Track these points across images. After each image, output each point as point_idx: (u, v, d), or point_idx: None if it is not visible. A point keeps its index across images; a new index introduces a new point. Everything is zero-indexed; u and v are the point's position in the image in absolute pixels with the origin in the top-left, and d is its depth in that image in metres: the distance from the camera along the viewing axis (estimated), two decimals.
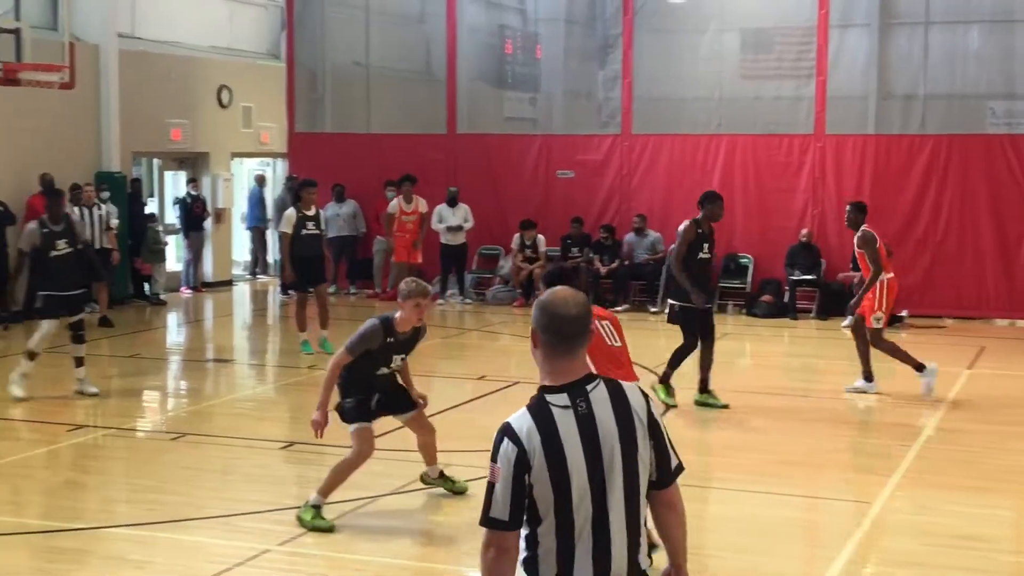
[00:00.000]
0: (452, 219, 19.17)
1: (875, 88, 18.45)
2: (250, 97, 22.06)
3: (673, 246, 11.85)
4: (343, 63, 21.52)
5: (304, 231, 14.18)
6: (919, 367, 12.06)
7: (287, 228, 14.28)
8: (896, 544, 7.84)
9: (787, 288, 18.12)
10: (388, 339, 7.80)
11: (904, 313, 17.21)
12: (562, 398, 3.53)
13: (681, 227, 11.49)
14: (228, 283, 21.77)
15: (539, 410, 3.52)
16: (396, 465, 9.02)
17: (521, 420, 3.52)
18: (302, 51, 21.41)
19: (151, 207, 20.53)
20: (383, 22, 21.20)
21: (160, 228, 19.96)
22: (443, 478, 8.54)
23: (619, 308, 17.62)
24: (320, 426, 7.68)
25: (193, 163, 21.46)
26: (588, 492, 3.50)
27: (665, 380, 11.60)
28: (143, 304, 19.06)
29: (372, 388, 7.95)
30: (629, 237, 18.95)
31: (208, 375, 14.20)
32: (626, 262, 18.88)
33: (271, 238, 22.42)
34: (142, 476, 9.33)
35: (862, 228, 12.11)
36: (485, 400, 11.89)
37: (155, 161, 21.26)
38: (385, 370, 7.98)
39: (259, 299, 21.05)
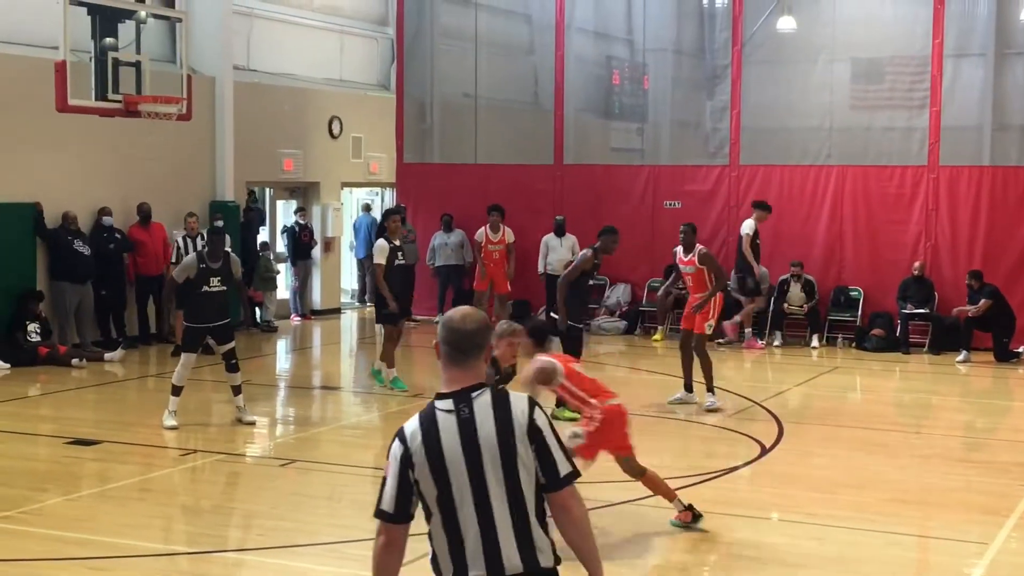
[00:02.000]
0: (560, 249, 19.18)
1: (990, 119, 18.06)
2: (360, 128, 22.39)
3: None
4: (452, 94, 21.73)
5: (397, 262, 13.73)
6: None
7: (381, 259, 13.62)
8: None
9: (899, 322, 17.77)
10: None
11: (1021, 349, 16.80)
12: (447, 403, 3.89)
13: (581, 253, 12.70)
14: (336, 311, 22.05)
15: (426, 414, 3.91)
16: None
17: (410, 424, 3.91)
18: (412, 82, 21.67)
19: (263, 235, 20.91)
20: (492, 54, 21.38)
21: (272, 256, 20.32)
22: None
23: (721, 340, 17.39)
24: None
25: (304, 192, 21.84)
26: (469, 489, 3.81)
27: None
28: (254, 331, 19.39)
29: None
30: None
31: (316, 402, 14.37)
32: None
33: None
34: (252, 502, 9.47)
35: None
36: None
37: (267, 190, 21.67)
38: None
39: (366, 327, 21.27)
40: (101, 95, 14.34)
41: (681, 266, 13.21)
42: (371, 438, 12.21)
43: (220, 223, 18.47)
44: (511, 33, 21.83)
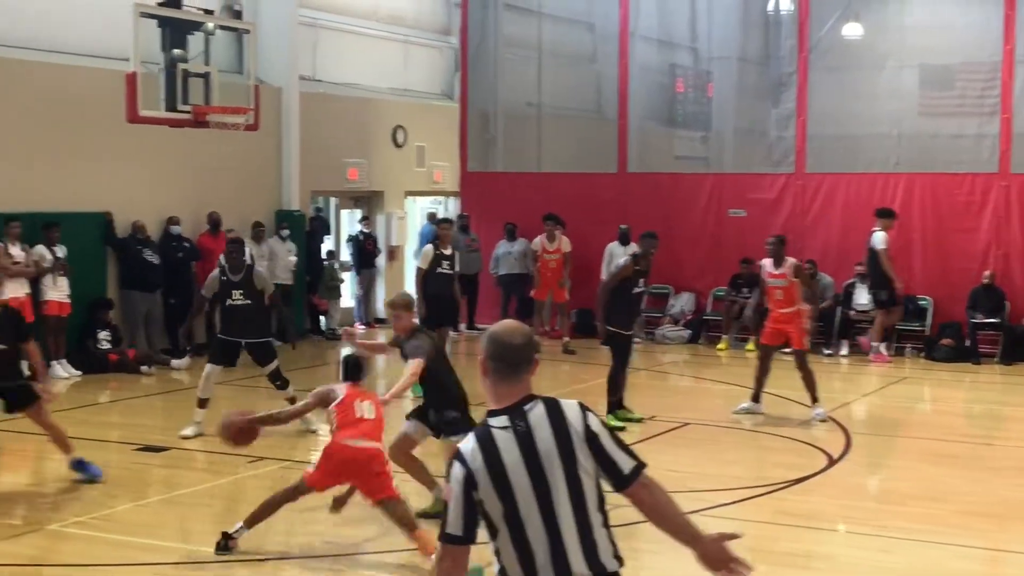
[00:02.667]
0: (623, 257, 19.08)
1: None
2: (424, 137, 22.49)
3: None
4: (515, 103, 21.77)
5: (439, 269, 14.02)
6: None
7: (423, 264, 14.12)
8: None
9: (968, 331, 17.50)
10: None
11: None
12: (502, 420, 3.86)
13: (621, 260, 12.59)
14: None
15: (482, 433, 3.87)
16: None
17: (467, 444, 3.87)
18: (475, 92, 21.73)
19: (328, 244, 21.06)
20: (555, 63, 21.38)
21: (337, 265, 20.46)
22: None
23: (787, 350, 17.16)
24: None
25: (368, 202, 21.97)
26: (535, 503, 3.79)
27: (614, 408, 12.20)
28: (319, 339, 19.52)
29: None
30: None
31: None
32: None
33: None
34: (317, 510, 9.50)
35: None
36: (654, 441, 11.77)
37: (332, 200, 21.83)
38: None
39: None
40: (171, 106, 14.53)
41: (770, 279, 13.01)
42: (431, 446, 12.20)
43: (287, 231, 18.68)
44: (574, 42, 21.82)
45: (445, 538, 3.88)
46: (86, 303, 15.92)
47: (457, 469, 3.86)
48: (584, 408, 3.93)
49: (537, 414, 3.86)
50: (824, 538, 8.73)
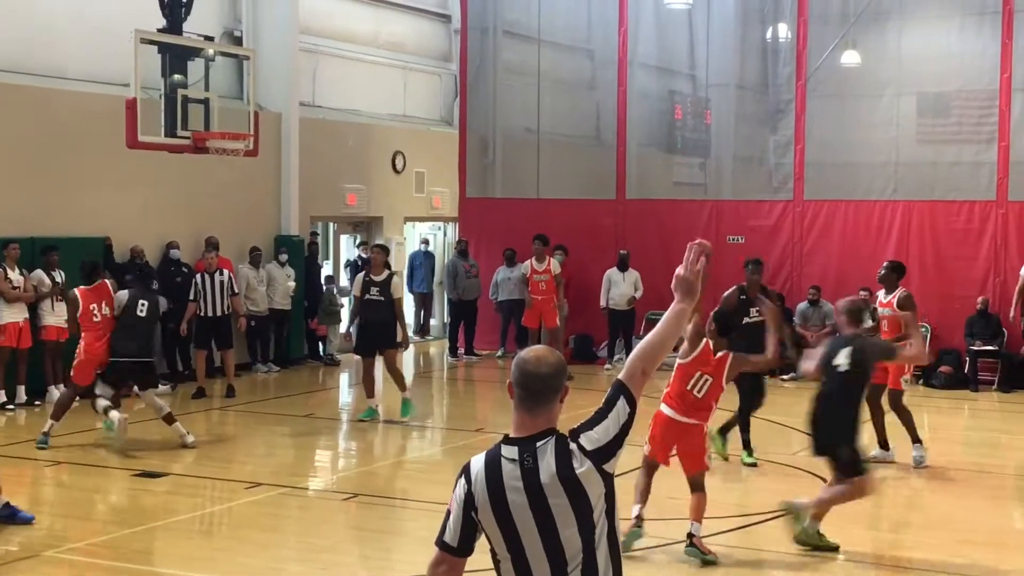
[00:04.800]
0: (622, 284, 19.12)
1: None
2: (423, 163, 22.55)
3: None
4: (514, 129, 21.83)
5: (367, 296, 13.85)
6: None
7: (355, 291, 14.14)
8: None
9: (967, 359, 17.49)
10: None
11: None
12: (513, 451, 3.80)
13: (725, 294, 11.74)
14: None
15: (492, 459, 3.84)
16: None
17: (476, 464, 3.86)
18: (474, 118, 21.80)
19: (327, 269, 21.08)
20: (554, 89, 21.46)
21: (336, 290, 20.47)
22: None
23: (785, 376, 17.14)
24: None
25: (367, 227, 22.00)
26: (537, 535, 3.75)
27: (747, 445, 11.84)
28: (317, 364, 19.51)
29: None
30: (802, 307, 18.51)
31: (378, 436, 14.40)
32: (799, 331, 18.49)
33: (436, 301, 22.89)
34: (315, 536, 9.50)
35: None
36: None
37: (331, 225, 21.86)
38: None
39: (427, 361, 21.33)
40: (170, 132, 14.56)
41: (879, 308, 12.22)
42: (433, 472, 12.21)
43: (285, 256, 18.69)
44: (574, 68, 21.90)
45: (440, 544, 3.90)
46: None
47: (460, 486, 3.86)
48: (580, 449, 3.80)
49: (546, 451, 3.78)
50: (822, 566, 8.70)
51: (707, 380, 8.77)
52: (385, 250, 14.49)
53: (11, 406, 14.64)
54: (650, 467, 8.72)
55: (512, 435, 3.86)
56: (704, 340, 8.85)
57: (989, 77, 17.97)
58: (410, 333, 22.88)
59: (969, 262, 18.00)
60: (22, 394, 14.91)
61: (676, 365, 8.94)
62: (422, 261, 22.66)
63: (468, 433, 13.80)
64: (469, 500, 3.83)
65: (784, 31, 19.86)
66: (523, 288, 20.34)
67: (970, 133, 18.46)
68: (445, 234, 23.95)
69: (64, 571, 8.43)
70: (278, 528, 9.84)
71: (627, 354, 19.31)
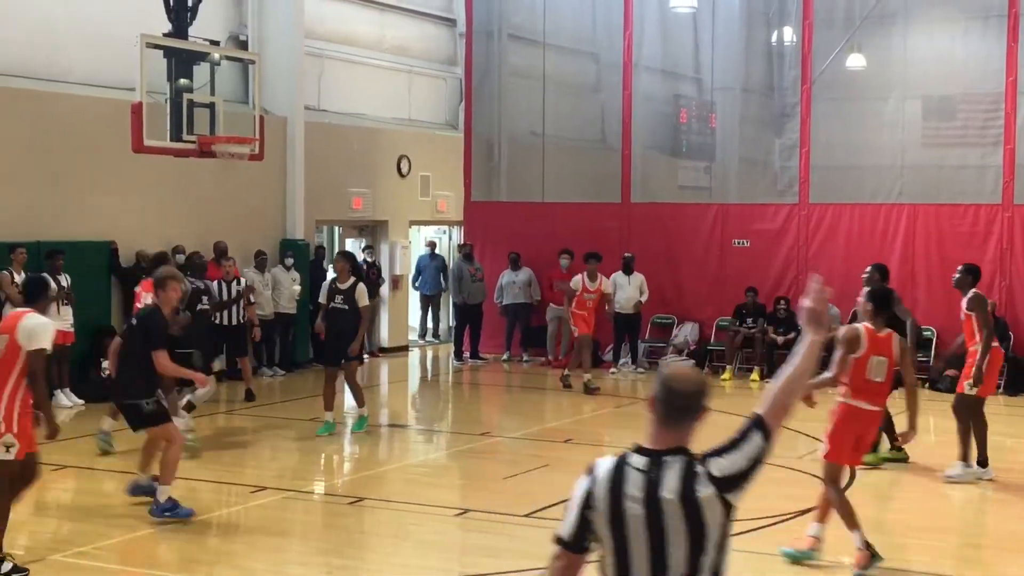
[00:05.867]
0: (628, 287, 19.07)
1: None
2: (428, 166, 22.56)
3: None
4: (519, 133, 21.83)
5: (332, 304, 13.48)
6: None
7: (322, 299, 13.68)
8: None
9: None
10: None
11: None
12: (643, 462, 3.83)
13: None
14: (404, 348, 22.15)
15: (619, 464, 3.86)
16: None
17: (602, 466, 3.89)
18: (479, 121, 21.81)
19: (332, 273, 21.05)
20: (559, 92, 21.46)
21: None
22: None
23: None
24: None
25: (372, 231, 22.01)
26: (647, 553, 3.77)
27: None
28: (323, 369, 19.46)
29: None
30: None
31: (383, 440, 14.41)
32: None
33: (442, 305, 22.88)
34: (320, 539, 9.50)
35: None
36: None
37: (336, 229, 21.87)
38: None
39: (434, 365, 21.33)
40: (176, 136, 14.58)
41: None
42: (438, 476, 12.21)
43: (291, 260, 18.70)
44: (579, 72, 21.90)
45: (557, 540, 3.94)
46: (90, 332, 15.92)
47: (582, 483, 3.90)
48: (706, 475, 3.83)
49: (674, 469, 3.81)
50: (830, 571, 8.68)
51: (883, 361, 8.78)
52: (348, 257, 14.00)
53: None
54: (837, 475, 8.68)
55: (644, 446, 3.89)
56: (860, 342, 8.76)
57: (994, 80, 17.94)
58: (415, 336, 22.98)
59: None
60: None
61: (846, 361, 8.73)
62: (428, 263, 22.68)
63: (473, 437, 13.79)
64: (588, 500, 3.86)
65: (789, 34, 19.86)
66: (529, 292, 20.36)
67: (975, 136, 18.44)
68: (450, 238, 23.95)
69: (70, 575, 8.43)
70: (284, 532, 9.82)
71: (632, 358, 19.35)
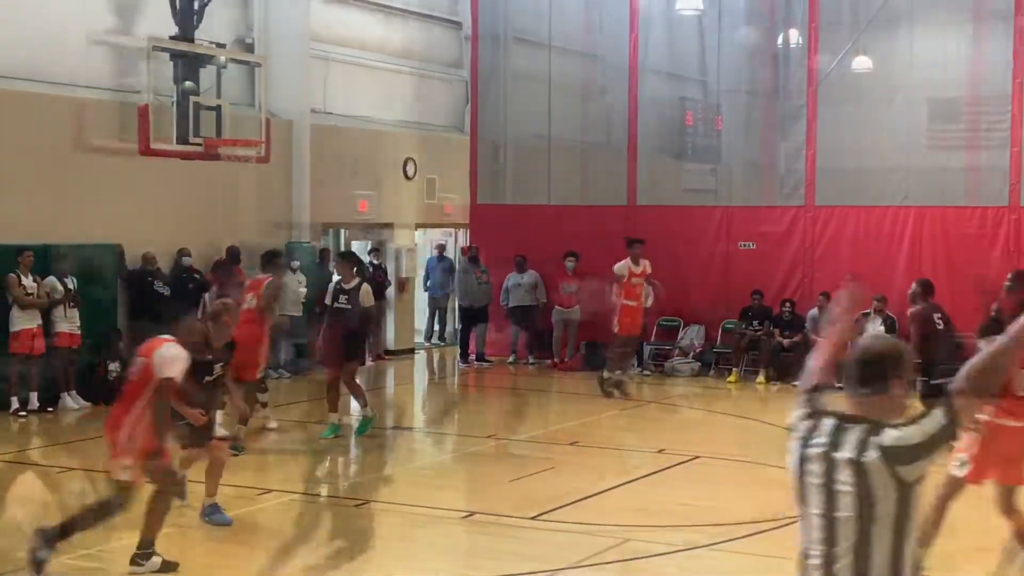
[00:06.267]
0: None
1: None
2: (434, 169, 22.56)
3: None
4: (525, 135, 21.84)
5: (336, 304, 13.33)
6: None
7: (328, 299, 13.57)
8: None
9: None
10: None
11: None
12: (830, 423, 3.96)
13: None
14: (411, 351, 22.15)
15: (817, 417, 4.01)
16: (579, 538, 8.96)
17: (813, 419, 4.03)
18: (485, 124, 21.81)
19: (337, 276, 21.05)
20: (565, 95, 21.46)
21: None
22: None
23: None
24: None
25: (378, 233, 22.01)
26: (819, 510, 3.90)
27: None
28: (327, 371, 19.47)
29: None
30: (813, 313, 18.47)
31: (389, 442, 14.40)
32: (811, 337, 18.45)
33: (448, 307, 22.89)
34: (325, 542, 9.50)
35: None
36: (665, 474, 11.73)
37: (342, 231, 21.88)
38: None
39: (440, 367, 21.34)
40: (182, 138, 14.61)
41: None
42: (444, 478, 12.21)
43: (296, 263, 18.71)
44: (584, 75, 21.91)
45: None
46: (97, 334, 15.94)
47: (798, 414, 4.09)
48: (880, 434, 3.85)
49: (854, 433, 3.88)
50: None
51: None
52: (348, 257, 13.91)
53: (23, 412, 14.68)
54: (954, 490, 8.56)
55: (841, 410, 4.02)
56: None
57: (1001, 82, 17.92)
58: (420, 339, 22.98)
59: (981, 268, 17.88)
60: (34, 400, 14.95)
61: None
62: (436, 266, 22.68)
63: (479, 439, 13.79)
64: (796, 429, 4.05)
65: (795, 37, 19.86)
66: (535, 295, 20.34)
67: (982, 139, 18.41)
68: (456, 240, 23.95)
69: None
70: (289, 535, 9.82)
71: (638, 361, 19.34)
